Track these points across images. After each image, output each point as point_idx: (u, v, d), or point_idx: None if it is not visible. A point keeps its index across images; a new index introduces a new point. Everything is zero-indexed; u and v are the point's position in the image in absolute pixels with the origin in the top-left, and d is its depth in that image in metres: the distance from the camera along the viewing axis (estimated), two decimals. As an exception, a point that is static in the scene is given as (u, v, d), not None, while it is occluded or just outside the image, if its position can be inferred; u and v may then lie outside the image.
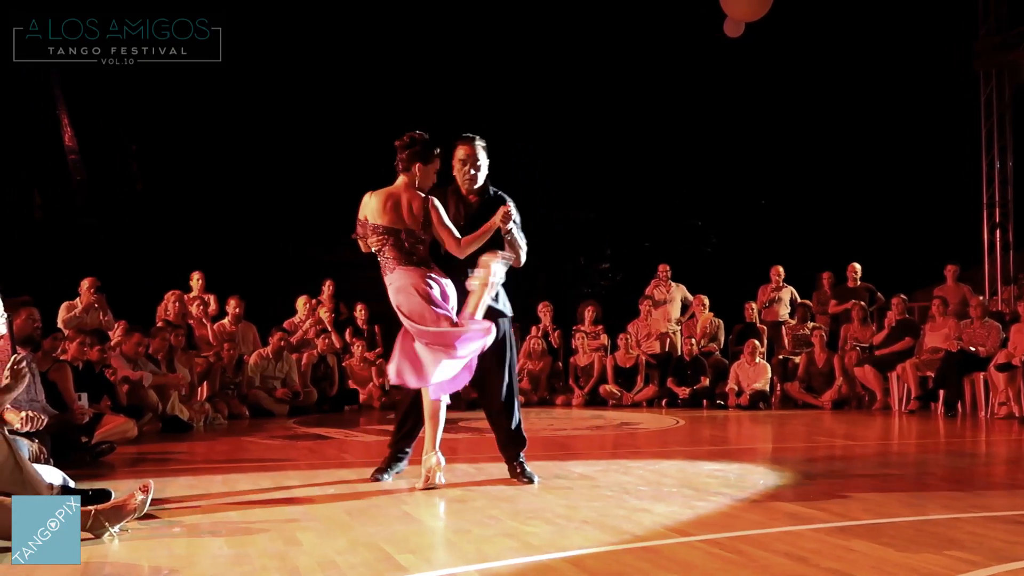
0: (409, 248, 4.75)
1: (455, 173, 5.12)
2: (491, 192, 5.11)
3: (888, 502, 4.52)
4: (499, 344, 4.95)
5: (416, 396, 5.03)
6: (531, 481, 5.03)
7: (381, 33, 13.82)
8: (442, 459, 4.85)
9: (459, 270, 4.84)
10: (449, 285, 4.81)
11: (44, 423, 4.99)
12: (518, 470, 5.10)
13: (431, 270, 4.78)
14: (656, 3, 13.99)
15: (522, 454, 5.17)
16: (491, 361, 5.01)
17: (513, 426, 5.14)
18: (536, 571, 3.22)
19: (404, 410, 5.26)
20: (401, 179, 4.85)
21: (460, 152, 5.07)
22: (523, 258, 5.06)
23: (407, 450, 5.27)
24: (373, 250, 4.83)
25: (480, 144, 5.04)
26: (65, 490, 3.96)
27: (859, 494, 4.75)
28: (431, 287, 4.72)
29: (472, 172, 5.02)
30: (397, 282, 4.74)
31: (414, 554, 3.42)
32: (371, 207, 4.81)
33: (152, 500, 3.95)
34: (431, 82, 13.69)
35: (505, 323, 5.10)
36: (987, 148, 13.62)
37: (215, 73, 11.09)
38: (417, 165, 4.83)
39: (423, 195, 4.81)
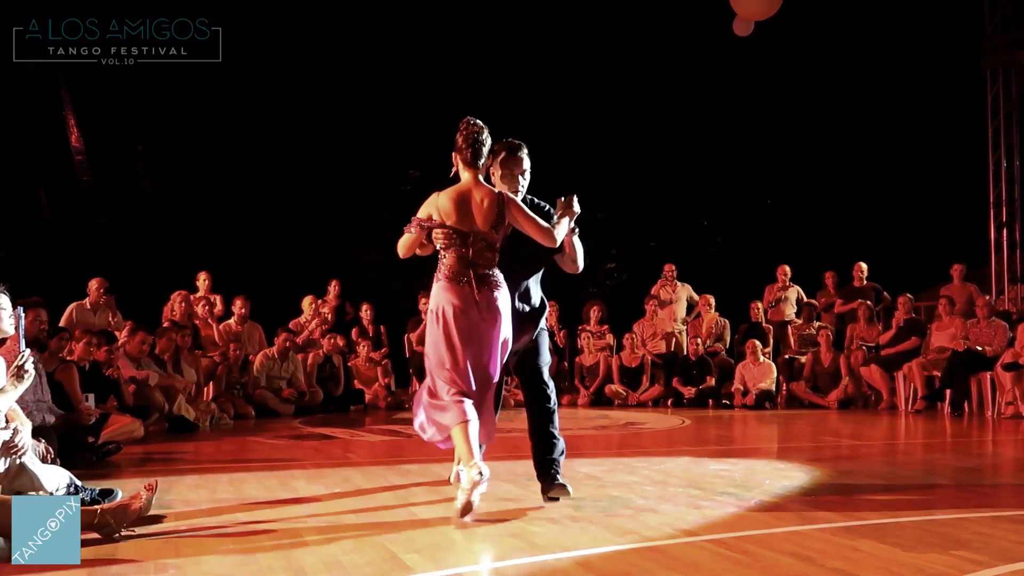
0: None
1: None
2: (531, 200, 4.75)
3: (894, 502, 4.51)
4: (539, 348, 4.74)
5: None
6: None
7: (383, 31, 13.81)
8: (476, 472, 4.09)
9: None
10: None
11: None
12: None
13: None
14: (665, 2, 13.98)
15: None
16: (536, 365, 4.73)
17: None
18: (542, 571, 3.22)
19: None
20: (469, 175, 4.42)
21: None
22: (580, 264, 4.79)
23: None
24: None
25: (526, 151, 4.70)
26: (72, 490, 3.97)
27: (865, 494, 4.74)
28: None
29: (521, 180, 4.67)
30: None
31: (420, 554, 3.42)
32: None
33: (157, 500, 3.95)
34: (432, 82, 13.67)
35: (543, 322, 4.89)
36: (994, 147, 13.61)
37: (216, 73, 11.10)
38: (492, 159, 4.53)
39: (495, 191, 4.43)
